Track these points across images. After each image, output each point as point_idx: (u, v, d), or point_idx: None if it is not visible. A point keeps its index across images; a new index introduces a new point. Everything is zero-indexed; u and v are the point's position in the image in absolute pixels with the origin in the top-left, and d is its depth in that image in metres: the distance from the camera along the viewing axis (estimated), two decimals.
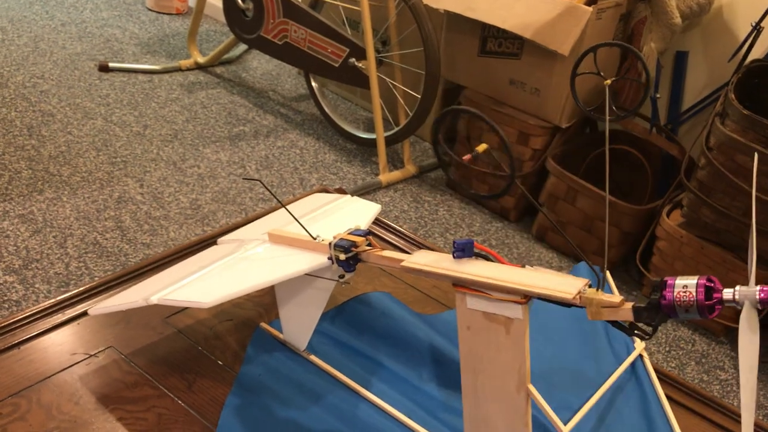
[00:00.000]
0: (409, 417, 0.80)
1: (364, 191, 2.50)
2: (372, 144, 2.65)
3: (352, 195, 2.47)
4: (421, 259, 0.70)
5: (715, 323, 2.13)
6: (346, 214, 0.96)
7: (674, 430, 0.85)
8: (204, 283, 0.79)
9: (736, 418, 0.92)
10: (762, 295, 0.50)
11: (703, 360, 2.06)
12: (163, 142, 2.52)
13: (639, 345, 0.98)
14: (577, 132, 2.52)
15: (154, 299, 0.76)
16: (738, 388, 1.99)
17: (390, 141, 2.60)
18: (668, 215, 2.20)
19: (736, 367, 2.06)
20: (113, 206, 2.11)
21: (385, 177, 2.58)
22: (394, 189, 2.60)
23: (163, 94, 2.86)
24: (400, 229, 1.20)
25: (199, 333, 0.92)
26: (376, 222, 1.20)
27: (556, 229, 2.38)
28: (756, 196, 1.88)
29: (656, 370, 0.96)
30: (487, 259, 0.69)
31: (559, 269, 2.33)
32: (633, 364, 0.96)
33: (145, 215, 2.10)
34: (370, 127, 2.80)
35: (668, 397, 0.93)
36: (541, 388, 0.88)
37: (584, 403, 0.85)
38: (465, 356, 0.69)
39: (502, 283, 0.63)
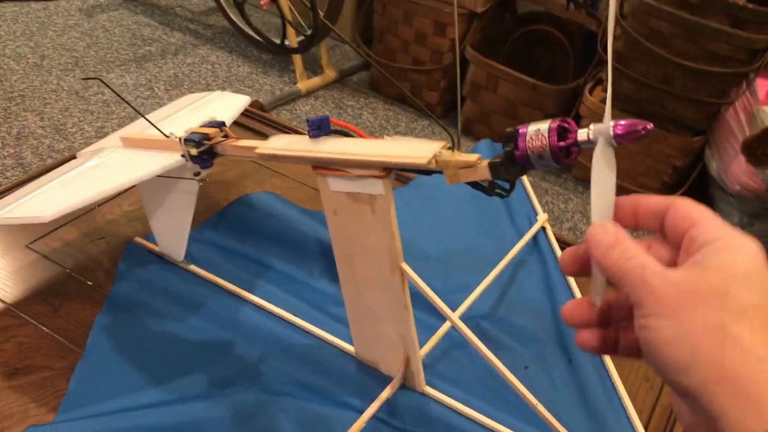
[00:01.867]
0: (297, 315, 0.76)
1: (283, 101, 2.41)
2: (287, 52, 2.54)
3: (269, 106, 2.37)
4: (277, 143, 0.64)
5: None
6: (213, 110, 0.88)
7: (574, 294, 0.85)
8: (47, 195, 0.72)
9: None
10: (618, 130, 0.45)
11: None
12: (63, 71, 2.37)
13: (541, 217, 0.96)
14: (495, 17, 2.44)
15: None
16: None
17: (305, 46, 2.49)
18: (591, 92, 2.16)
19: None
20: (12, 143, 1.99)
21: (303, 85, 2.49)
22: (314, 96, 2.51)
23: (60, 21, 2.69)
24: (280, 121, 1.13)
25: (67, 256, 0.85)
26: (255, 117, 1.13)
27: (481, 119, 2.33)
28: (672, 61, 1.86)
29: (558, 239, 0.93)
30: (345, 135, 0.63)
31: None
32: (535, 238, 0.94)
33: (48, 149, 1.99)
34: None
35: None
36: (439, 271, 0.87)
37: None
38: (336, 242, 0.65)
39: (358, 157, 0.57)
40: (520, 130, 0.49)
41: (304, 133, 0.63)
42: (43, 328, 0.75)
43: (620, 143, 0.45)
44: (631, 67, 1.96)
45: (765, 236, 1.90)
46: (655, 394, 0.77)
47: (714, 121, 2.04)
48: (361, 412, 0.66)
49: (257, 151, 0.64)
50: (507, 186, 0.53)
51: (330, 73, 2.58)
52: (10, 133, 2.03)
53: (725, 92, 1.95)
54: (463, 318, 0.78)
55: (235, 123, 0.97)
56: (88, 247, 0.86)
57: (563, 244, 0.93)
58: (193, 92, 1.03)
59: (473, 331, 0.76)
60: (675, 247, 0.39)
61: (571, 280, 0.86)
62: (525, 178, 1.09)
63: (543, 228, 0.95)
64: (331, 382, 0.70)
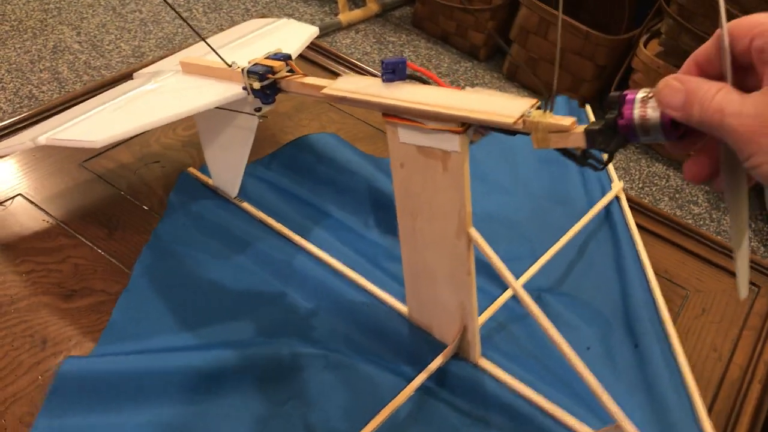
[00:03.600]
0: (350, 266, 0.73)
1: (323, 33, 2.34)
2: None
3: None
4: (346, 85, 0.59)
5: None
6: (278, 40, 0.83)
7: (648, 279, 0.78)
8: (100, 119, 0.68)
9: (709, 245, 0.88)
10: None
11: (677, 195, 2.01)
12: None
13: (615, 185, 0.89)
14: None
15: (42, 139, 0.65)
16: (710, 221, 1.95)
17: None
18: (645, 45, 2.07)
19: (709, 201, 2.01)
20: (48, 57, 1.95)
21: (345, 17, 2.41)
22: (355, 30, 2.43)
23: None
24: (348, 57, 1.08)
25: (121, 177, 0.82)
26: (322, 51, 1.08)
27: (526, 66, 2.25)
28: (736, 16, 1.76)
29: (630, 201, 0.89)
30: (422, 81, 0.58)
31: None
32: (608, 208, 0.87)
33: (84, 65, 1.95)
34: None
35: (641, 227, 0.87)
36: (501, 234, 0.81)
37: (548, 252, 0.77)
38: (401, 198, 0.60)
39: (434, 108, 0.52)
40: (627, 96, 0.44)
41: (376, 75, 0.58)
42: (99, 251, 0.73)
43: None
44: (694, 22, 1.87)
45: None
46: (723, 365, 0.74)
47: None
48: (411, 378, 0.63)
49: (325, 91, 0.60)
50: (602, 158, 0.49)
51: (372, 6, 2.50)
52: (46, 47, 1.98)
53: None
54: (525, 289, 0.74)
55: (299, 55, 0.93)
56: (143, 170, 0.84)
57: (635, 205, 0.88)
58: (232, 17, 0.97)
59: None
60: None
61: (645, 259, 0.80)
62: None
63: (617, 198, 0.88)
64: (380, 343, 0.67)
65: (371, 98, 0.56)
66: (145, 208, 0.79)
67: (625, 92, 0.44)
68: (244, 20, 1.11)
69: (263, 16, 1.11)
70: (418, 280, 0.64)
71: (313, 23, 2.38)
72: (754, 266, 0.86)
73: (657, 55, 2.01)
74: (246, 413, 0.59)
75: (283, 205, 0.80)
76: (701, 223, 1.94)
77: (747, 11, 1.76)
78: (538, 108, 0.50)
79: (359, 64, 1.07)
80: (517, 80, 2.32)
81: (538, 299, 0.73)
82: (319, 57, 1.08)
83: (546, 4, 2.13)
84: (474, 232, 0.56)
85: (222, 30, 0.91)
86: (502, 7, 2.26)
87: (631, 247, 0.81)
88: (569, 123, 0.47)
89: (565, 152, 0.49)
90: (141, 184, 0.82)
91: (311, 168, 0.86)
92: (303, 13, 2.42)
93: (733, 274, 0.85)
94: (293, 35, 0.83)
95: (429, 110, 0.52)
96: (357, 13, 2.45)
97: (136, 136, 0.87)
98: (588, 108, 1.03)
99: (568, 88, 2.19)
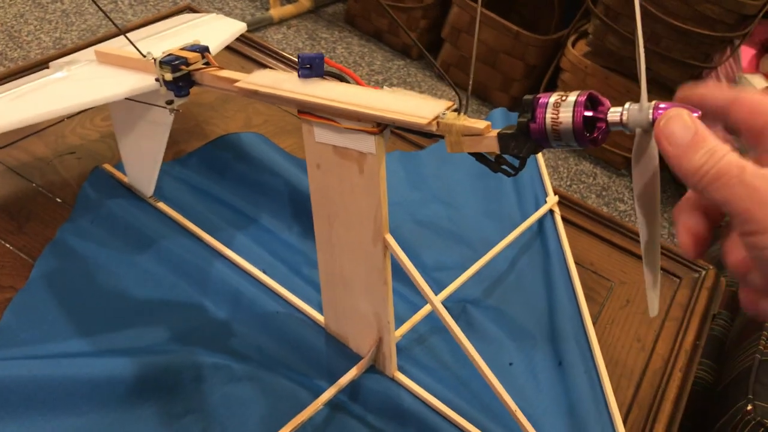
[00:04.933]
0: (268, 273, 0.70)
1: (254, 28, 2.29)
2: None
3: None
4: (261, 79, 0.56)
5: (616, 155, 2.10)
6: (201, 33, 0.79)
7: (576, 292, 0.78)
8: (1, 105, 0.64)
9: (634, 238, 0.89)
10: (659, 114, 0.39)
11: (604, 193, 2.05)
12: None
13: (550, 199, 0.88)
14: None
15: None
16: (635, 217, 1.99)
17: None
18: (573, 45, 2.10)
19: (633, 198, 2.05)
20: None
21: (276, 12, 2.37)
22: (287, 25, 2.39)
23: None
24: (278, 50, 1.05)
25: (34, 169, 0.78)
26: (252, 44, 1.05)
27: (461, 65, 2.26)
28: (662, 19, 1.80)
29: (557, 195, 0.89)
30: (340, 79, 0.56)
31: (462, 106, 2.23)
32: (542, 221, 0.85)
33: (0, 56, 1.86)
34: None
35: (568, 221, 0.87)
36: (430, 244, 0.79)
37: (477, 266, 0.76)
38: (317, 201, 0.58)
39: (349, 106, 0.50)
40: (540, 99, 0.43)
41: (293, 71, 0.55)
42: (7, 245, 0.69)
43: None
44: (620, 23, 1.90)
45: None
46: (646, 355, 0.74)
47: None
48: (321, 391, 0.60)
49: (238, 85, 0.57)
50: (516, 163, 0.48)
51: (305, 2, 2.46)
52: None
53: (709, 56, 1.90)
54: (450, 300, 0.72)
55: (227, 47, 0.89)
56: (56, 161, 0.79)
57: (564, 201, 0.88)
58: (159, 9, 0.93)
59: (459, 316, 0.71)
60: (748, 142, 0.34)
61: (575, 276, 0.79)
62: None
63: (552, 211, 0.87)
64: (293, 355, 0.63)
65: (286, 93, 0.53)
66: (59, 200, 0.74)
67: (538, 96, 0.43)
68: (177, 6, 1.07)
69: (192, 9, 1.07)
70: (334, 288, 0.61)
71: (243, 18, 2.33)
72: (676, 258, 0.87)
73: (584, 55, 2.04)
74: (138, 426, 0.56)
75: (201, 206, 0.77)
76: (627, 219, 1.98)
77: (669, 12, 1.80)
78: (455, 110, 0.48)
79: (293, 58, 1.05)
80: (450, 79, 2.33)
81: (463, 311, 0.71)
82: (254, 52, 1.04)
83: (476, 2, 2.13)
84: (390, 239, 0.55)
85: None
86: (434, 5, 2.26)
87: (562, 261, 0.80)
88: (483, 126, 0.46)
89: (480, 157, 0.48)
90: (55, 175, 0.77)
91: (232, 168, 0.82)
92: (233, 7, 2.37)
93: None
94: (218, 30, 0.79)
95: (344, 108, 0.50)
96: (289, 9, 2.41)
97: (50, 125, 0.83)
98: None
99: (498, 87, 2.21)
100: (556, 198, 0.89)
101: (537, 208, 0.86)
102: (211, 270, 0.69)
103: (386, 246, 0.55)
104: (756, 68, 1.85)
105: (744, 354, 0.84)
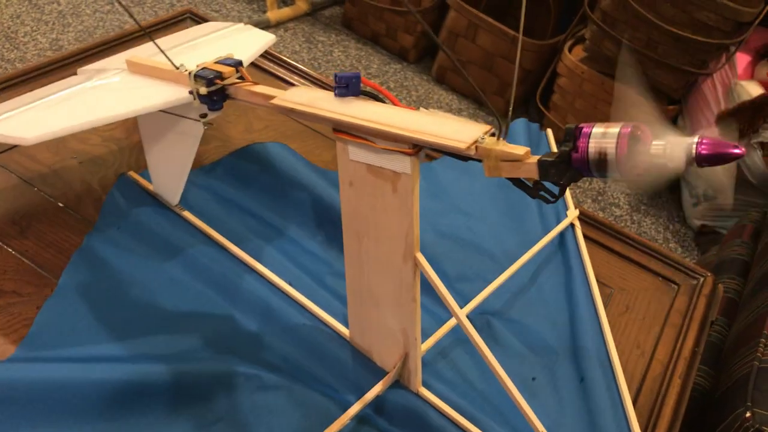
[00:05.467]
0: (292, 284, 0.71)
1: None
2: None
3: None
4: (297, 97, 0.57)
5: None
6: (232, 45, 0.80)
7: (597, 308, 0.79)
8: (34, 114, 0.63)
9: (633, 245, 0.90)
10: (702, 149, 0.40)
11: (599, 198, 2.07)
12: None
13: (571, 213, 0.89)
14: None
15: None
16: (631, 223, 2.01)
17: None
18: (570, 50, 2.12)
19: (630, 204, 2.07)
20: None
21: (273, 14, 2.37)
22: (284, 28, 2.40)
23: None
24: (300, 66, 1.06)
25: (35, 173, 0.78)
26: (272, 59, 1.06)
27: (457, 69, 2.27)
28: (658, 26, 1.83)
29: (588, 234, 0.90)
30: (375, 98, 0.57)
31: (458, 112, 2.25)
32: (563, 234, 0.87)
33: None
34: None
35: (589, 239, 0.89)
36: (454, 256, 0.80)
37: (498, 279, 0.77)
38: (348, 217, 0.59)
39: (387, 128, 0.51)
40: (583, 129, 0.44)
41: (329, 89, 0.56)
42: (9, 250, 0.69)
43: (703, 165, 0.41)
44: (617, 29, 1.92)
45: (727, 210, 1.92)
46: (646, 361, 0.76)
47: (690, 91, 2.02)
48: (348, 404, 0.61)
49: (275, 102, 0.57)
50: (555, 190, 0.49)
51: (302, 5, 2.47)
52: None
53: (705, 63, 1.92)
54: (474, 313, 0.73)
55: (252, 63, 0.90)
56: (59, 165, 0.80)
57: (585, 218, 0.90)
58: (156, 11, 0.94)
59: (482, 329, 0.72)
60: None
61: (596, 292, 0.80)
62: None
63: (573, 225, 0.88)
64: (319, 366, 0.64)
65: (322, 112, 0.54)
66: (61, 205, 0.75)
67: (580, 125, 0.44)
68: (179, 9, 1.08)
69: (189, 11, 1.07)
70: (361, 302, 0.63)
71: (240, 20, 2.33)
72: (674, 265, 0.89)
73: (581, 61, 2.06)
74: None
75: (226, 215, 0.77)
76: (622, 224, 2.00)
77: (666, 19, 1.82)
78: (492, 135, 0.49)
79: (300, 66, 1.05)
80: (446, 83, 2.34)
81: (486, 324, 0.73)
82: (274, 66, 1.05)
83: (474, 7, 2.15)
84: (421, 257, 0.56)
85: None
86: (431, 9, 2.27)
87: (583, 276, 0.81)
88: (523, 153, 0.47)
89: (518, 182, 0.49)
90: (57, 180, 0.78)
91: (257, 178, 0.83)
92: (230, 9, 2.37)
93: (655, 272, 0.87)
94: (248, 42, 0.80)
95: (381, 129, 0.51)
96: (286, 12, 2.41)
97: None
98: (549, 132, 1.02)
99: (495, 91, 2.22)
100: (577, 212, 0.90)
101: (558, 221, 0.88)
102: (239, 280, 0.70)
103: (417, 264, 0.56)
104: (751, 75, 1.88)
105: (742, 361, 0.86)
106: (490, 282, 0.77)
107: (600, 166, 0.43)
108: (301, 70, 1.05)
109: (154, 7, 2.24)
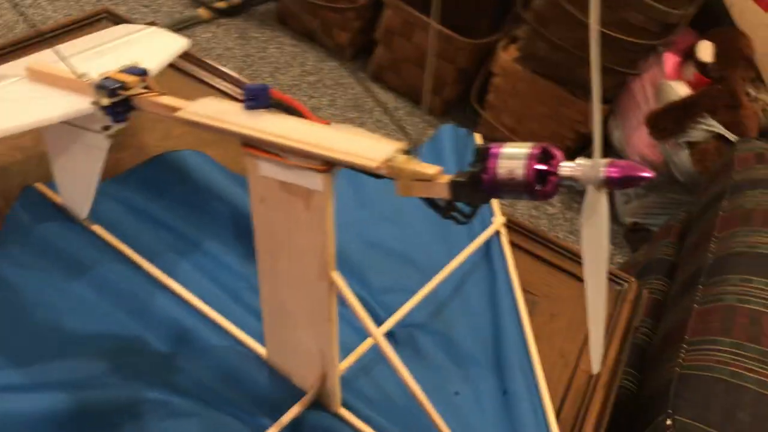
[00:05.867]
0: (208, 300, 0.68)
1: (182, 26, 2.23)
2: None
3: (166, 30, 2.18)
4: (203, 109, 0.55)
5: None
6: (141, 50, 0.76)
7: (521, 318, 0.78)
8: None
9: (558, 250, 0.90)
10: (613, 173, 0.39)
11: None
12: None
13: (497, 221, 0.88)
14: None
15: None
16: (564, 221, 2.04)
17: None
18: (505, 50, 2.12)
19: (563, 202, 2.10)
20: None
21: (206, 10, 2.32)
22: (216, 24, 2.34)
23: None
24: (223, 69, 1.02)
25: None
26: (194, 61, 1.02)
27: (394, 67, 2.26)
28: (588, 26, 1.84)
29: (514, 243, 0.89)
30: (287, 111, 0.54)
31: (395, 111, 2.23)
32: (489, 243, 0.85)
33: None
34: None
35: (515, 245, 0.88)
36: (376, 267, 0.78)
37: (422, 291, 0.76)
38: (260, 234, 0.57)
39: (297, 144, 0.49)
40: (492, 150, 0.43)
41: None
42: None
43: (612, 189, 0.40)
44: (550, 29, 1.93)
45: (657, 208, 1.96)
46: (570, 371, 0.76)
47: (620, 91, 2.05)
48: (263, 429, 0.59)
49: (179, 114, 0.55)
50: (468, 210, 0.47)
51: (235, 0, 2.42)
52: None
53: (635, 63, 1.95)
54: (398, 326, 0.71)
55: (172, 66, 0.86)
56: None
57: (520, 248, 0.89)
58: (82, 5, 0.89)
59: (406, 342, 0.71)
60: None
61: (520, 301, 0.80)
62: None
63: (498, 232, 0.87)
64: (235, 389, 0.62)
65: (229, 126, 0.52)
66: None
67: (489, 145, 0.43)
68: (95, 9, 1.03)
69: (106, 11, 1.02)
70: (277, 322, 0.60)
71: (171, 15, 2.27)
72: None
73: (515, 60, 2.06)
74: None
75: (139, 229, 0.74)
76: (556, 222, 2.02)
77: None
78: (406, 152, 0.48)
79: (224, 69, 1.02)
80: (383, 81, 2.32)
81: (410, 337, 0.71)
82: (195, 68, 1.01)
83: (410, 5, 2.13)
84: (336, 276, 0.54)
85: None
86: (367, 6, 2.25)
87: (508, 284, 0.81)
88: (434, 172, 0.45)
89: (430, 202, 0.48)
90: None
91: (172, 188, 0.79)
92: (161, 4, 2.31)
93: (580, 279, 0.88)
94: (159, 47, 0.76)
95: (291, 145, 0.49)
96: (220, 6, 2.36)
97: None
98: (477, 136, 1.02)
99: (430, 90, 2.22)
100: (503, 219, 0.89)
101: (484, 229, 0.87)
102: (150, 299, 0.67)
103: (332, 283, 0.55)
104: (679, 75, 1.91)
105: (665, 366, 0.86)
106: (415, 293, 0.75)
107: (510, 187, 0.42)
108: (225, 74, 1.01)
109: (79, 1, 2.16)
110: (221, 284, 0.71)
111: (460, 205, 0.46)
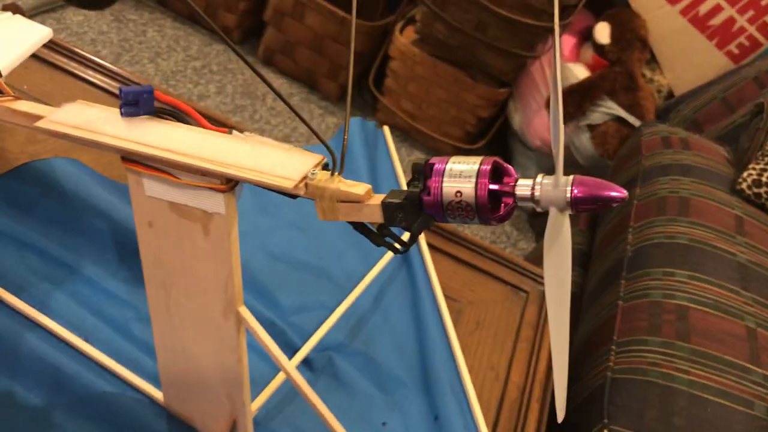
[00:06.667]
0: (89, 338, 0.57)
1: (48, 7, 2.04)
2: None
3: (30, 11, 1.97)
4: (71, 117, 0.45)
5: (447, 144, 2.10)
6: None
7: (446, 328, 0.72)
8: None
9: (480, 252, 0.85)
10: (577, 192, 0.33)
11: None
12: None
13: None
14: None
15: None
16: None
17: None
18: (402, 32, 2.06)
19: None
20: None
21: None
22: None
23: None
24: (97, 60, 0.89)
25: None
26: (62, 51, 0.88)
27: (286, 50, 2.15)
28: (488, 8, 1.81)
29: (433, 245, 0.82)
30: (176, 118, 0.45)
31: (289, 97, 2.13)
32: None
33: None
34: None
35: (433, 248, 0.81)
36: (288, 282, 0.69)
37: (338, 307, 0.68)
38: (149, 264, 0.47)
39: (191, 160, 0.40)
40: (435, 165, 0.36)
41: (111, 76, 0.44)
42: None
43: (579, 211, 0.34)
44: (447, 11, 1.87)
45: None
46: (501, 385, 0.71)
47: (520, 74, 2.03)
48: None
49: (41, 124, 0.45)
50: (405, 237, 0.40)
51: None
52: None
53: (534, 45, 1.93)
54: (314, 350, 0.64)
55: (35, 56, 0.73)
56: None
57: (438, 250, 0.82)
58: None
59: (324, 368, 0.63)
60: None
61: (443, 308, 0.73)
62: (396, 158, 0.95)
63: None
64: None
65: (104, 139, 0.42)
66: None
67: (431, 161, 0.36)
68: None
69: None
70: (175, 363, 0.51)
71: None
72: (522, 271, 0.85)
73: (413, 43, 2.00)
74: None
75: (1, 254, 0.62)
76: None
77: (496, 1, 1.80)
78: (325, 167, 0.40)
79: (98, 60, 0.89)
80: (274, 65, 2.21)
81: (328, 362, 0.63)
82: (63, 59, 0.88)
83: None
84: (245, 312, 0.45)
85: None
86: None
87: (430, 292, 0.74)
88: (363, 192, 0.38)
89: (360, 226, 0.40)
90: None
91: (38, 203, 0.66)
92: None
93: (503, 281, 0.83)
94: (14, 39, 0.64)
95: (183, 162, 0.40)
96: None
97: None
98: (386, 130, 0.94)
99: (326, 74, 2.12)
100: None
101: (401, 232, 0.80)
102: (18, 341, 0.56)
103: (240, 320, 0.46)
104: (577, 57, 1.91)
105: (595, 370, 0.82)
106: (331, 310, 0.68)
107: (457, 211, 0.35)
108: (100, 66, 0.88)
109: None
110: (105, 317, 0.60)
111: (395, 230, 0.39)
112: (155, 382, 0.56)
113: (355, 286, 0.72)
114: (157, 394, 0.55)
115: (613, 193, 0.33)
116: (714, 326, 0.79)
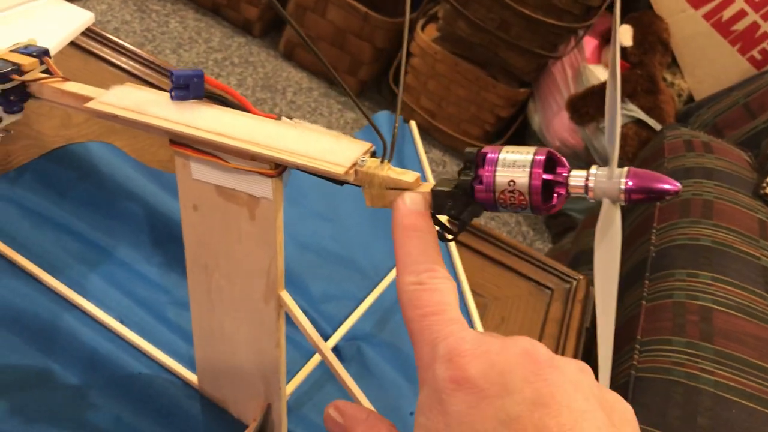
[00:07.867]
0: (124, 319, 0.58)
1: None
2: None
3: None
4: (121, 99, 0.45)
5: (464, 142, 2.11)
6: (36, 24, 0.64)
7: (474, 322, 0.72)
8: None
9: (505, 248, 0.85)
10: (632, 184, 0.33)
11: None
12: None
13: (442, 216, 0.81)
14: None
15: None
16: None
17: None
18: (423, 29, 2.06)
19: None
20: None
21: None
22: None
23: None
24: (130, 46, 0.89)
25: None
26: (96, 38, 0.89)
27: (307, 45, 2.15)
28: (511, 7, 1.81)
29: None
30: (224, 103, 0.45)
31: (308, 91, 2.14)
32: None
33: None
34: None
35: (460, 243, 0.82)
36: (319, 272, 0.70)
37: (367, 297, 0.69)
38: (192, 247, 0.48)
39: (242, 144, 0.41)
40: (488, 154, 0.36)
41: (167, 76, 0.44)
42: None
43: (632, 202, 0.34)
44: (470, 9, 1.88)
45: None
46: None
47: (541, 74, 2.03)
48: None
49: (91, 105, 0.45)
50: (454, 225, 0.40)
51: None
52: None
53: (556, 46, 1.93)
54: (343, 339, 0.64)
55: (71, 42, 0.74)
56: None
57: (465, 246, 0.82)
58: None
59: (353, 358, 0.63)
60: None
61: (470, 301, 0.74)
62: (422, 152, 0.95)
63: None
64: (161, 425, 0.53)
65: (155, 121, 0.43)
66: None
67: (483, 149, 0.36)
68: None
69: None
70: (211, 346, 0.52)
71: None
72: (545, 268, 0.85)
73: (434, 41, 2.01)
74: None
75: (37, 235, 0.62)
76: (491, 215, 1.99)
77: (520, 0, 1.80)
78: (373, 155, 0.40)
79: (130, 46, 0.89)
80: (295, 59, 2.22)
81: (357, 351, 0.64)
82: (104, 49, 0.88)
83: None
84: (286, 297, 0.46)
85: None
86: None
87: (457, 287, 0.75)
88: (412, 180, 0.38)
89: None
90: None
91: (75, 186, 0.67)
92: None
93: (528, 278, 0.83)
94: (58, 21, 0.65)
95: (234, 145, 0.41)
96: None
97: None
98: (413, 125, 0.95)
99: (346, 70, 2.13)
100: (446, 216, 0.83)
101: None
102: (55, 321, 0.57)
103: (280, 305, 0.46)
104: (598, 59, 1.91)
105: (618, 368, 0.83)
106: (359, 300, 0.68)
107: (510, 200, 0.35)
108: (131, 51, 0.89)
109: None
110: (140, 300, 0.61)
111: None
112: (189, 365, 0.56)
113: (382, 277, 0.72)
114: (191, 377, 0.56)
115: (667, 186, 0.33)
116: (738, 328, 0.79)
